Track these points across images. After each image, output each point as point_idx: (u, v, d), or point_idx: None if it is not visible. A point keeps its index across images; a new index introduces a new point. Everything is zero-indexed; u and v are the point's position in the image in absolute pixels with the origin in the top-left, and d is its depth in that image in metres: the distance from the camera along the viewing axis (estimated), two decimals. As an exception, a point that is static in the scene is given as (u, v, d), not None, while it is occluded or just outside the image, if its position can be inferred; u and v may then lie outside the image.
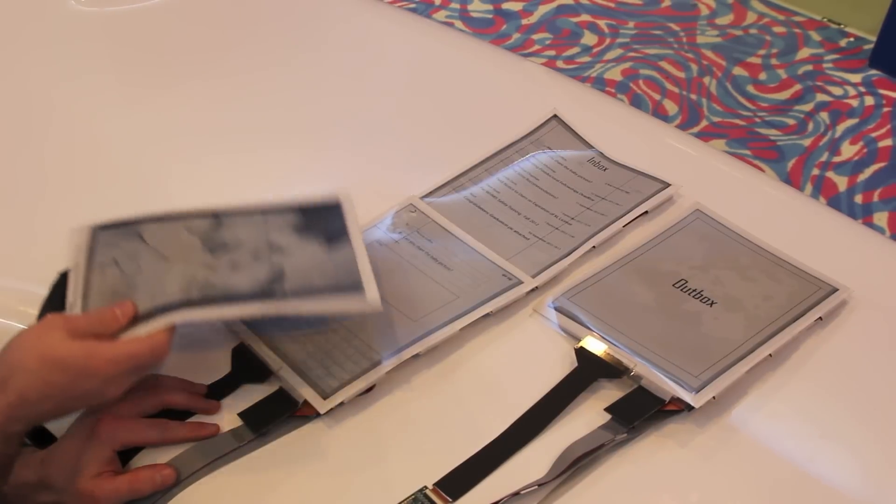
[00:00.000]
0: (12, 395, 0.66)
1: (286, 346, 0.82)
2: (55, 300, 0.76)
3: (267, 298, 0.74)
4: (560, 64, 2.30)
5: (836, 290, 0.87)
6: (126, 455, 0.75)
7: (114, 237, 0.78)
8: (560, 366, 0.82)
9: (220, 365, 0.82)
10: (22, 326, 0.84)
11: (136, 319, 0.71)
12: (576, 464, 0.73)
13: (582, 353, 0.82)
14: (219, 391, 0.80)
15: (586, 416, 0.78)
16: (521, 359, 0.84)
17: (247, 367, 0.81)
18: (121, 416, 0.74)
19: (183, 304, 0.72)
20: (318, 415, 0.77)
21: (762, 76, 2.26)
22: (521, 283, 0.87)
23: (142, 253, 0.77)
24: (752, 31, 2.41)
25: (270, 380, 0.80)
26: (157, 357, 0.69)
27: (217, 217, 0.80)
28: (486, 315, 0.85)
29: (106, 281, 0.75)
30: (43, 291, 0.88)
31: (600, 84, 2.22)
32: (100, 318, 0.70)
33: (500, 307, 0.86)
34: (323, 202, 0.83)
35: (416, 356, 0.81)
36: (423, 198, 0.98)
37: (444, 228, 0.94)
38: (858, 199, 1.94)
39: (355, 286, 0.76)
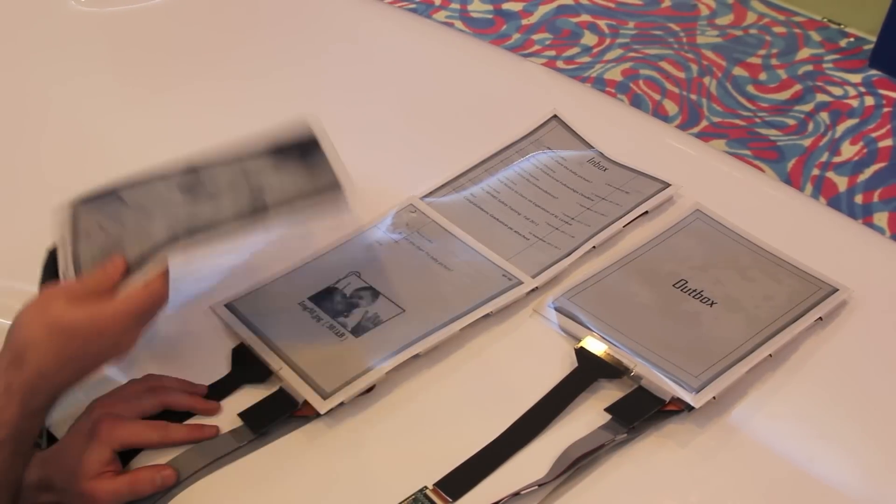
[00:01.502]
0: (28, 371, 0.66)
1: (286, 346, 0.82)
2: (48, 276, 0.76)
3: (251, 216, 0.74)
4: (560, 64, 2.30)
5: (836, 290, 0.87)
6: (126, 456, 0.75)
7: (95, 206, 0.78)
8: (560, 366, 0.82)
9: (220, 365, 0.82)
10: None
11: (129, 271, 0.71)
12: (576, 464, 0.73)
13: (582, 353, 0.82)
14: (219, 391, 0.80)
15: (586, 416, 0.78)
16: (521, 359, 0.84)
17: (247, 367, 0.81)
18: (121, 418, 0.75)
19: (170, 242, 0.72)
20: (318, 415, 0.77)
21: (762, 76, 2.26)
22: (521, 283, 0.87)
23: (124, 212, 0.76)
24: (752, 31, 2.41)
25: (270, 380, 0.80)
26: (157, 302, 0.71)
27: (195, 171, 0.79)
28: (486, 315, 0.85)
29: (93, 245, 0.74)
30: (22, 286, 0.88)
31: (600, 84, 2.22)
32: (93, 278, 0.71)
33: (500, 307, 0.86)
34: (300, 138, 0.83)
35: (416, 356, 0.81)
36: (423, 198, 0.98)
37: (444, 229, 0.94)
38: (858, 199, 1.94)
39: (333, 185, 0.78)
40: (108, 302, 0.69)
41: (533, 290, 0.88)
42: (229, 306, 0.86)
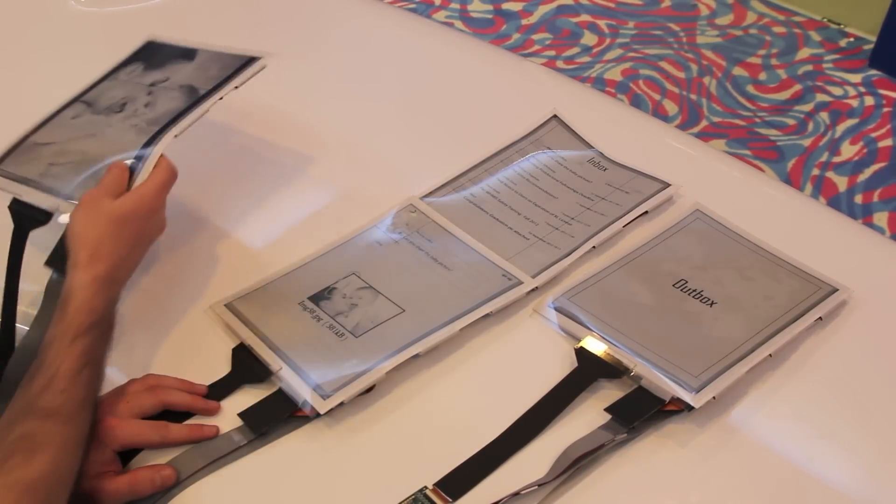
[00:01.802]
0: (108, 261, 0.76)
1: (286, 346, 0.82)
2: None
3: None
4: (560, 64, 2.30)
5: (836, 290, 0.87)
6: (126, 456, 0.75)
7: (17, 158, 0.90)
8: (560, 366, 0.82)
9: (220, 365, 0.82)
10: (23, 327, 0.85)
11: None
12: (576, 464, 0.73)
13: (582, 353, 0.82)
14: (219, 391, 0.80)
15: (586, 416, 0.78)
16: (521, 359, 0.84)
17: (247, 368, 0.81)
18: (121, 418, 0.75)
19: (155, 137, 0.85)
20: (318, 415, 0.77)
21: (762, 76, 2.26)
22: (521, 283, 0.87)
23: (63, 145, 0.90)
24: (752, 31, 2.41)
25: (270, 380, 0.80)
26: (174, 175, 0.85)
27: (83, 100, 0.95)
28: (486, 315, 0.85)
29: (58, 177, 0.86)
30: (40, 289, 0.88)
31: (600, 84, 2.22)
32: (112, 176, 0.83)
33: (500, 307, 0.86)
34: (136, 49, 1.00)
35: (416, 356, 0.81)
36: (422, 198, 0.98)
37: (444, 228, 0.94)
38: (858, 199, 1.94)
39: (251, 58, 0.93)
40: (141, 187, 0.82)
41: (533, 290, 0.88)
42: (229, 306, 0.86)
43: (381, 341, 0.82)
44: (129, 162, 0.84)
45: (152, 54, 1.00)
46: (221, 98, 0.90)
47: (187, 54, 0.98)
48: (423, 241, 0.92)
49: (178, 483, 0.73)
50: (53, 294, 0.78)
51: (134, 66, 0.99)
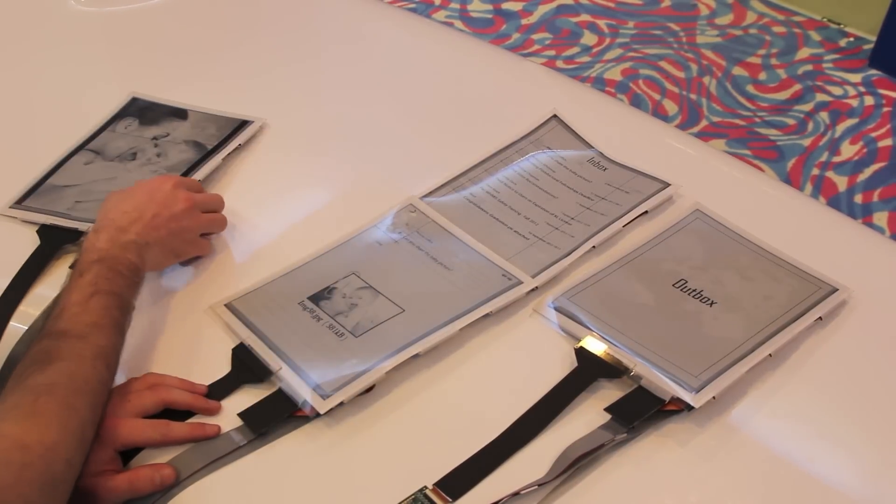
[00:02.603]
0: (112, 213, 0.84)
1: (286, 346, 0.82)
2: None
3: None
4: (560, 64, 2.30)
5: (836, 290, 0.87)
6: (127, 455, 0.75)
7: (41, 198, 0.98)
8: (560, 366, 0.82)
9: (220, 365, 0.82)
10: (22, 326, 0.85)
11: None
12: (576, 464, 0.73)
13: (582, 353, 0.82)
14: (219, 391, 0.80)
15: (586, 416, 0.78)
16: (521, 359, 0.84)
17: (246, 367, 0.81)
18: (122, 417, 0.75)
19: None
20: (317, 415, 0.77)
21: (762, 76, 2.26)
22: (521, 283, 0.87)
23: (87, 186, 1.00)
24: (752, 31, 2.41)
25: (270, 380, 0.80)
26: (217, 204, 0.94)
27: (89, 148, 1.05)
28: (486, 315, 0.85)
29: (91, 205, 0.94)
30: (42, 291, 0.88)
31: (600, 84, 2.22)
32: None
33: (500, 307, 0.86)
34: (124, 105, 1.11)
35: (415, 356, 0.81)
36: (422, 198, 0.98)
37: (444, 228, 0.94)
38: (858, 199, 1.94)
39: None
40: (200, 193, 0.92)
41: (533, 290, 0.88)
42: (229, 306, 0.86)
43: (380, 341, 0.82)
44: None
45: (143, 111, 1.10)
46: (229, 154, 1.03)
47: (178, 113, 1.09)
48: (423, 241, 0.92)
49: (177, 482, 0.73)
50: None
51: (128, 120, 1.08)
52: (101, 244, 0.81)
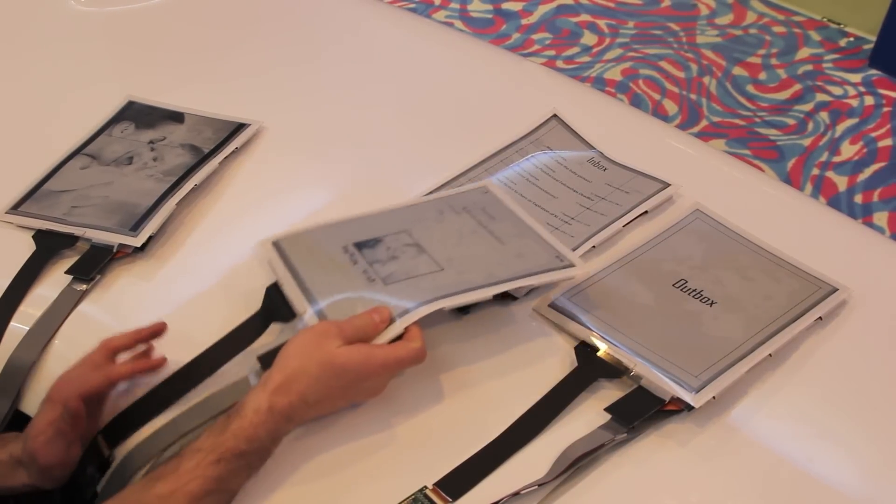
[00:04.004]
0: (294, 396, 0.71)
1: (316, 287, 0.82)
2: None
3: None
4: (560, 64, 2.30)
5: (836, 290, 0.87)
6: (116, 437, 0.77)
7: (37, 203, 0.97)
8: (560, 366, 0.82)
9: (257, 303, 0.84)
10: (23, 327, 0.85)
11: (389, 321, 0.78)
12: (576, 464, 0.73)
13: (582, 353, 0.82)
14: (248, 330, 0.81)
15: (586, 416, 0.78)
16: (521, 359, 0.84)
17: (276, 307, 0.82)
18: (69, 377, 0.77)
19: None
20: None
21: (762, 76, 2.26)
22: (571, 265, 0.84)
23: (83, 192, 0.98)
24: (752, 30, 2.41)
25: (292, 322, 0.80)
26: (418, 362, 0.77)
27: (85, 153, 1.04)
28: (529, 292, 0.87)
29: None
30: (43, 292, 0.88)
31: (600, 84, 2.22)
32: (364, 324, 0.76)
33: (544, 283, 0.85)
34: (120, 108, 1.10)
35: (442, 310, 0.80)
36: (423, 197, 0.98)
37: (510, 209, 0.91)
38: (858, 198, 1.93)
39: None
40: (379, 349, 0.75)
41: (533, 290, 0.88)
42: (276, 244, 0.87)
43: (409, 292, 0.80)
44: (394, 312, 0.78)
45: (139, 115, 1.09)
46: (226, 157, 1.02)
47: (175, 117, 1.09)
48: (485, 217, 0.91)
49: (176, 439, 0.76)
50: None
51: (124, 124, 1.08)
52: (260, 432, 0.70)
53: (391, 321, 0.77)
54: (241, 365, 0.80)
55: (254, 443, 0.70)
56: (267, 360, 0.76)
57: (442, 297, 0.79)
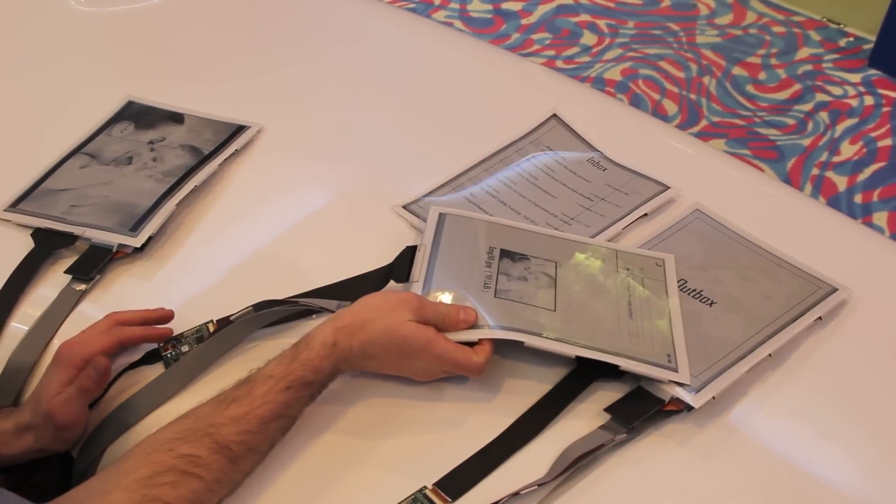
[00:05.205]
0: (356, 342, 0.75)
1: (439, 268, 0.84)
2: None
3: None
4: (560, 64, 2.30)
5: (836, 290, 0.87)
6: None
7: (36, 202, 0.97)
8: (560, 366, 0.82)
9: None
10: (23, 327, 0.85)
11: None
12: (576, 464, 0.73)
13: (582, 353, 0.82)
14: (369, 284, 0.85)
15: (586, 416, 0.78)
16: (521, 359, 0.84)
17: (399, 269, 0.85)
18: (78, 341, 0.78)
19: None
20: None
21: (762, 76, 2.26)
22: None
23: (82, 191, 0.97)
24: (752, 30, 2.41)
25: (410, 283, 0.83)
26: (471, 374, 0.79)
27: (85, 152, 1.03)
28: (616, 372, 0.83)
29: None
30: (42, 292, 0.88)
31: (600, 84, 2.22)
32: (447, 314, 0.79)
33: (639, 372, 0.80)
34: (119, 108, 1.10)
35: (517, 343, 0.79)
36: (423, 197, 0.98)
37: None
38: (858, 198, 1.94)
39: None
40: (443, 340, 0.77)
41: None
42: (442, 215, 0.90)
43: (508, 313, 0.81)
44: (480, 321, 0.79)
45: (139, 115, 1.09)
46: (226, 159, 1.03)
47: (175, 117, 1.09)
48: (636, 284, 0.86)
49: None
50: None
51: (124, 124, 1.08)
52: (325, 364, 0.74)
53: (473, 326, 0.79)
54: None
55: (319, 374, 0.74)
56: (399, 268, 0.84)
57: (529, 334, 0.79)
